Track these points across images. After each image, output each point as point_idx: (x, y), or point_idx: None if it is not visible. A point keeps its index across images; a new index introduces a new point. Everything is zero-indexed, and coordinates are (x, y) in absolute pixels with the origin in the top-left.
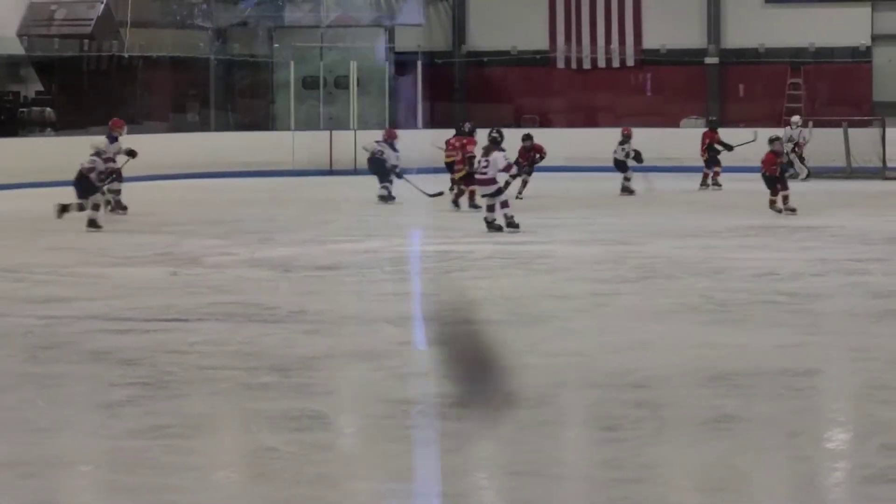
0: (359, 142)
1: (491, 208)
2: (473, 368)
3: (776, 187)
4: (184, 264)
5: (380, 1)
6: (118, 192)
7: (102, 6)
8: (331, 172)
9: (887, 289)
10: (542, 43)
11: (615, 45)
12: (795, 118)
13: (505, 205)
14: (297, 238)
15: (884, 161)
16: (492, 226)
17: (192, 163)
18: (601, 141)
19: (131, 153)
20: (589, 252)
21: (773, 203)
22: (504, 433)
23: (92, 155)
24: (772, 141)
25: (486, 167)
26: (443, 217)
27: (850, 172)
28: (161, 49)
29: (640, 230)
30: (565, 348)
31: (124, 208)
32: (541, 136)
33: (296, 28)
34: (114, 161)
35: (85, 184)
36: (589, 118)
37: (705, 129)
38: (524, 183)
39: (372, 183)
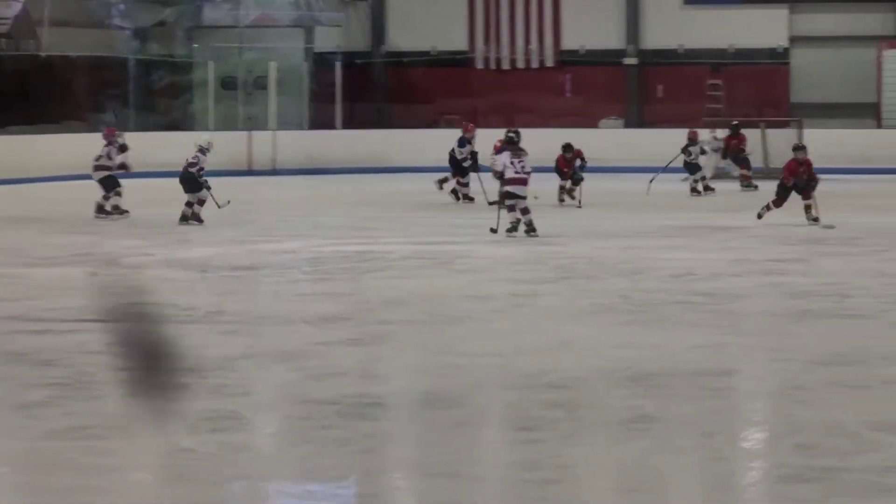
0: (279, 142)
1: (512, 208)
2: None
3: (786, 197)
4: (102, 265)
5: (299, 1)
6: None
7: (20, 5)
8: (249, 173)
9: (805, 289)
10: (461, 43)
11: (534, 45)
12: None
13: (525, 211)
14: (214, 238)
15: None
16: (514, 228)
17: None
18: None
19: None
20: (509, 252)
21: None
22: (420, 434)
23: (197, 152)
24: (797, 149)
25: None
26: (364, 218)
27: (768, 173)
28: (79, 49)
29: (560, 231)
30: (483, 349)
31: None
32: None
33: (215, 28)
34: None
35: (190, 180)
36: (509, 119)
37: (728, 134)
38: (564, 189)
39: (290, 183)
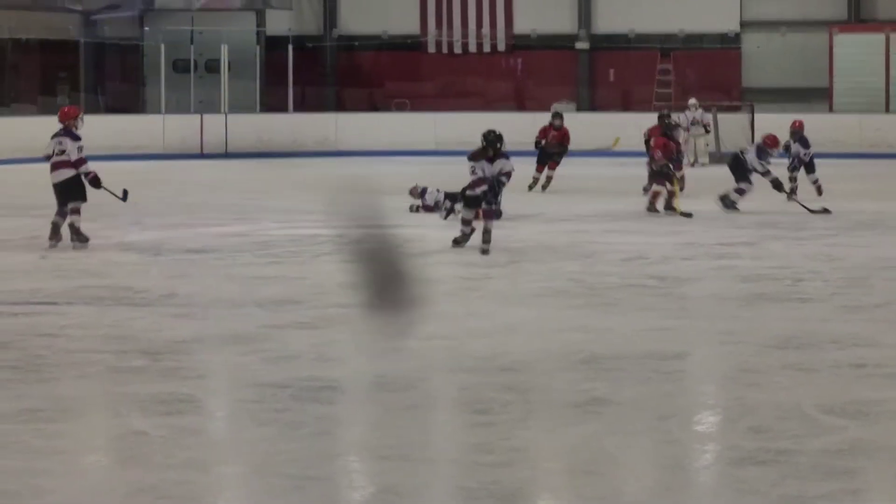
0: (230, 125)
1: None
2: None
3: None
4: (53, 248)
5: None
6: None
7: None
8: (202, 156)
9: (755, 273)
10: (413, 27)
11: (486, 29)
12: (693, 101)
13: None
14: (166, 222)
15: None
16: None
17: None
18: (472, 125)
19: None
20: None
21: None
22: (372, 417)
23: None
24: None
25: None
26: (315, 201)
27: (719, 157)
28: (30, 32)
29: (509, 214)
30: (434, 332)
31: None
32: (411, 120)
33: (166, 11)
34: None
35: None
36: (460, 102)
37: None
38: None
39: (242, 166)
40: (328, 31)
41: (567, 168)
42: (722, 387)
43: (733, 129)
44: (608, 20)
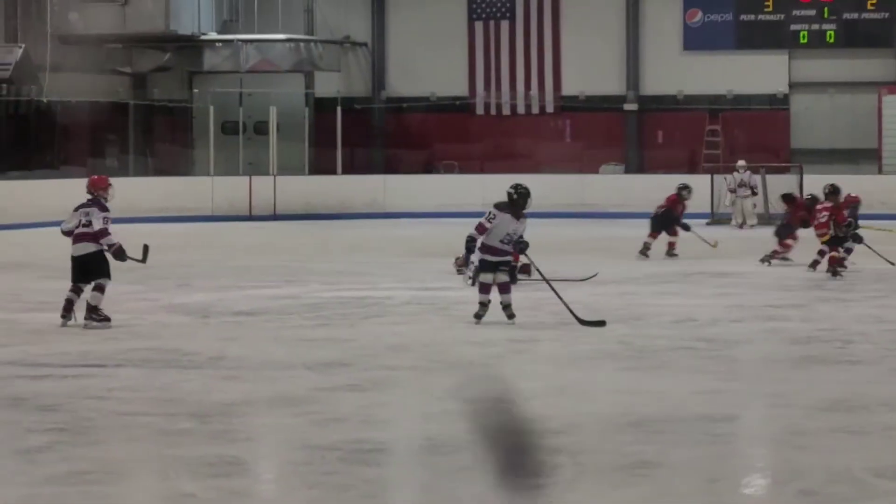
0: (279, 187)
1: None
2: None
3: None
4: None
5: (299, 46)
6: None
7: (21, 50)
8: (250, 218)
9: (805, 335)
10: (461, 89)
11: (535, 91)
12: (741, 162)
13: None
14: (215, 284)
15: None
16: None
17: (110, 208)
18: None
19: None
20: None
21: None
22: (421, 480)
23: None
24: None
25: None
26: (363, 263)
27: (767, 218)
28: (79, 94)
29: (558, 277)
30: (484, 395)
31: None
32: (459, 182)
33: (215, 73)
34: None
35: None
36: (508, 164)
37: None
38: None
39: (290, 228)
40: (376, 92)
41: (615, 229)
42: (771, 449)
43: (782, 190)
44: (656, 81)
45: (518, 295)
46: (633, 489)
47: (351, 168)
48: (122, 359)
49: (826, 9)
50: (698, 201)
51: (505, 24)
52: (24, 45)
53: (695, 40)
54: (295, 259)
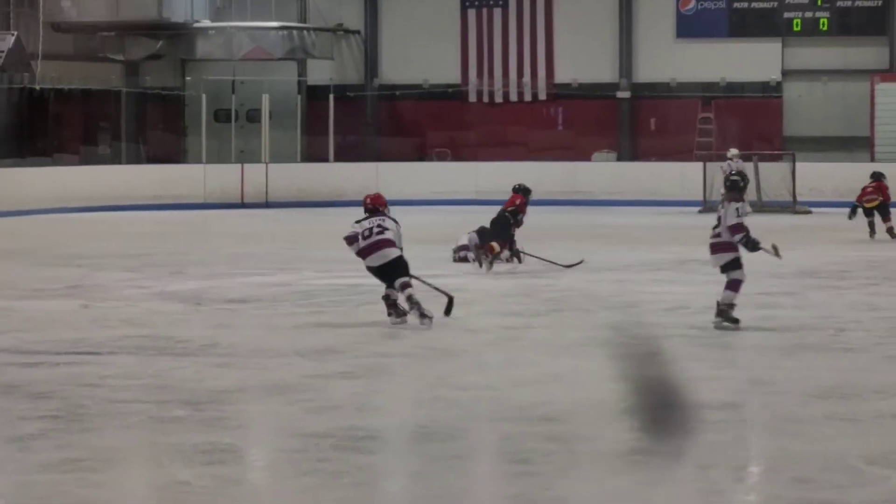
0: (271, 175)
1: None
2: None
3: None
4: (95, 297)
5: (292, 34)
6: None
7: (13, 38)
8: (242, 206)
9: (798, 323)
10: (454, 76)
11: (527, 78)
12: (734, 151)
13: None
14: (208, 271)
15: (794, 195)
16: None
17: (102, 195)
18: (512, 174)
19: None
20: (500, 285)
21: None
22: (414, 467)
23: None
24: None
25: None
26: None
27: (760, 206)
28: (72, 81)
29: (551, 264)
30: (476, 382)
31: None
32: (452, 169)
33: (207, 61)
34: None
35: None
36: (501, 152)
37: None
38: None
39: (282, 216)
40: (369, 80)
41: (610, 217)
42: (765, 437)
43: (774, 178)
44: (649, 69)
45: (512, 282)
46: (626, 476)
47: (343, 156)
48: (115, 346)
49: None
50: (691, 189)
51: (498, 12)
52: (16, 33)
53: (688, 28)
54: (288, 247)
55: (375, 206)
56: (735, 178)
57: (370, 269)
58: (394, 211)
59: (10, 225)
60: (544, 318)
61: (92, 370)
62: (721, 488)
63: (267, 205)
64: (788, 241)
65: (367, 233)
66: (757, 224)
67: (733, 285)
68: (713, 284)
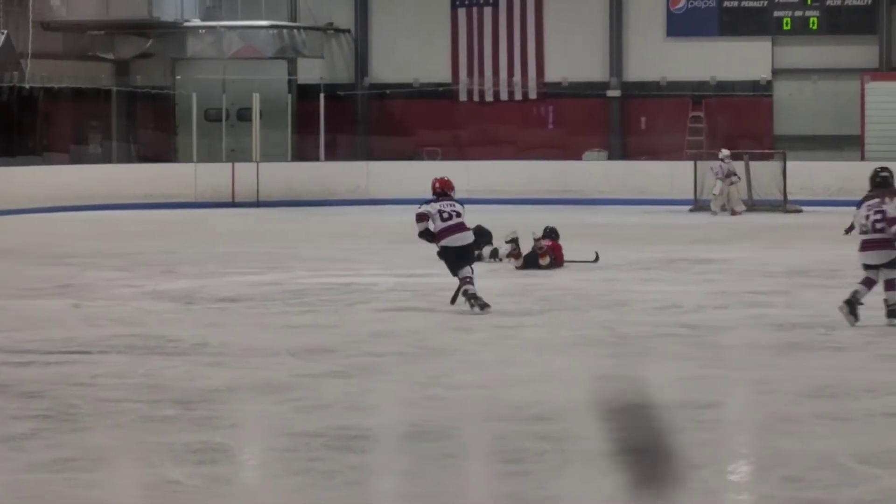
0: (262, 174)
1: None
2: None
3: None
4: (85, 296)
5: (282, 33)
6: None
7: (3, 37)
8: (233, 204)
9: (789, 321)
10: (444, 75)
11: (518, 77)
12: (725, 151)
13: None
14: (199, 270)
15: (784, 194)
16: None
17: (93, 194)
18: (503, 173)
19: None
20: (492, 284)
21: None
22: (406, 466)
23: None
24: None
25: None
26: (347, 250)
27: (751, 205)
28: (62, 80)
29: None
30: (468, 381)
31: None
32: (442, 168)
33: (198, 60)
34: None
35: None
36: (491, 151)
37: None
38: None
39: (273, 214)
40: (359, 79)
41: (600, 216)
42: (756, 436)
43: (765, 177)
44: (639, 68)
45: (504, 281)
46: (620, 475)
47: (334, 154)
48: (106, 345)
49: None
50: (681, 188)
51: (488, 11)
52: (6, 32)
53: (678, 27)
54: (279, 245)
55: (444, 189)
56: (885, 173)
57: (448, 249)
58: (383, 209)
59: (1, 224)
60: (537, 318)
61: (83, 369)
62: (712, 487)
63: (258, 204)
64: (779, 240)
65: (445, 215)
66: (748, 223)
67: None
68: (703, 284)
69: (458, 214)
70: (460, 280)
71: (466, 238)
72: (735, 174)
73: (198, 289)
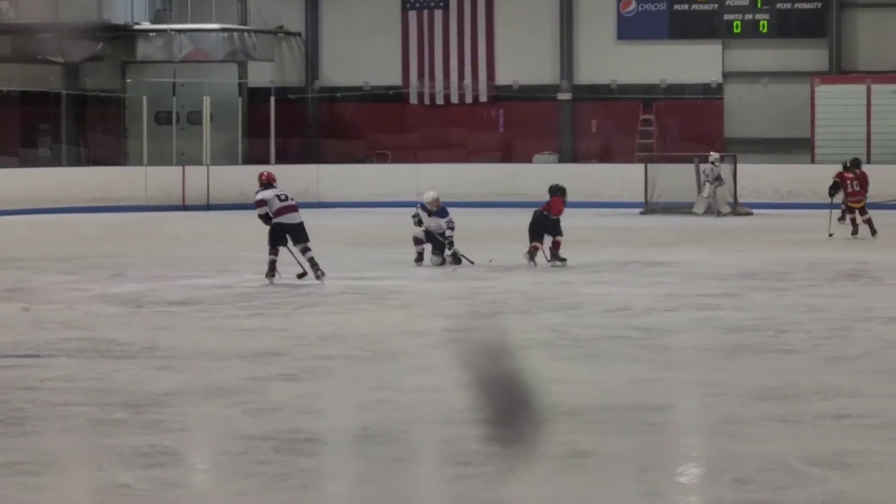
0: (212, 177)
1: None
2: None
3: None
4: (35, 300)
5: (233, 36)
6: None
7: None
8: (183, 208)
9: (738, 324)
10: (395, 78)
11: (468, 80)
12: (714, 154)
13: None
14: (148, 274)
15: (735, 197)
16: None
17: (42, 198)
18: (453, 176)
19: None
20: (442, 287)
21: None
22: (356, 469)
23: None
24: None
25: None
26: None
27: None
28: (11, 83)
29: (493, 266)
30: (419, 384)
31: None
32: (393, 171)
33: (148, 63)
34: None
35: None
36: (441, 154)
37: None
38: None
39: (223, 218)
40: (310, 82)
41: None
42: (705, 438)
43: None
44: (590, 71)
45: (454, 284)
46: (568, 478)
47: (284, 158)
48: (55, 349)
49: None
50: (632, 191)
51: (439, 14)
52: None
53: (628, 30)
54: (228, 249)
55: (269, 182)
56: None
57: (282, 224)
58: (334, 213)
59: None
60: (486, 321)
61: (32, 373)
62: (661, 490)
63: (208, 207)
64: (729, 243)
65: (283, 196)
66: (698, 225)
67: None
68: (653, 286)
69: (292, 199)
70: (301, 250)
71: (299, 217)
72: (721, 178)
73: (147, 292)
